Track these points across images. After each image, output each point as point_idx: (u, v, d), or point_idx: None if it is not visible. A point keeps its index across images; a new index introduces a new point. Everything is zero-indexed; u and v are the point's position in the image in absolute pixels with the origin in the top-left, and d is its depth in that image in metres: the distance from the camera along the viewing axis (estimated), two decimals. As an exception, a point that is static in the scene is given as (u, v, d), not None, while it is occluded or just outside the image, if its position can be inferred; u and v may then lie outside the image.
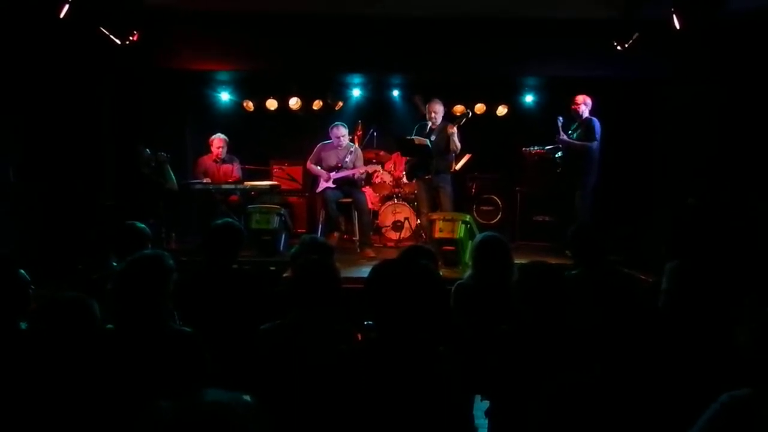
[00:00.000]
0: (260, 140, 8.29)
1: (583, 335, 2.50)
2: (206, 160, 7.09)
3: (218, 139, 7.03)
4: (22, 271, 2.51)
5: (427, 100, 6.70)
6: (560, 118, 6.63)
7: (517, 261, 3.40)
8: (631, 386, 1.93)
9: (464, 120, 6.29)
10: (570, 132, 6.59)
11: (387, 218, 7.48)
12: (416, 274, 2.04)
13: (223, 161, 7.09)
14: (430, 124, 6.46)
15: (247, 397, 1.34)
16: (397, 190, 7.72)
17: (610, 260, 3.50)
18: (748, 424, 1.40)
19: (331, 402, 1.96)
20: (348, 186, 6.82)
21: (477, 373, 2.49)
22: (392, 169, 7.92)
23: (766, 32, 5.71)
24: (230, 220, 3.86)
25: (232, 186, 6.84)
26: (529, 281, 2.57)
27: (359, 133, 7.96)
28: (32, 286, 2.53)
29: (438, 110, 6.48)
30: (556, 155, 6.81)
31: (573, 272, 3.25)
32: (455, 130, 6.26)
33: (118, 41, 5.78)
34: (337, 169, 6.79)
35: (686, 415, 1.61)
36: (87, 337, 2.21)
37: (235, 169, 7.13)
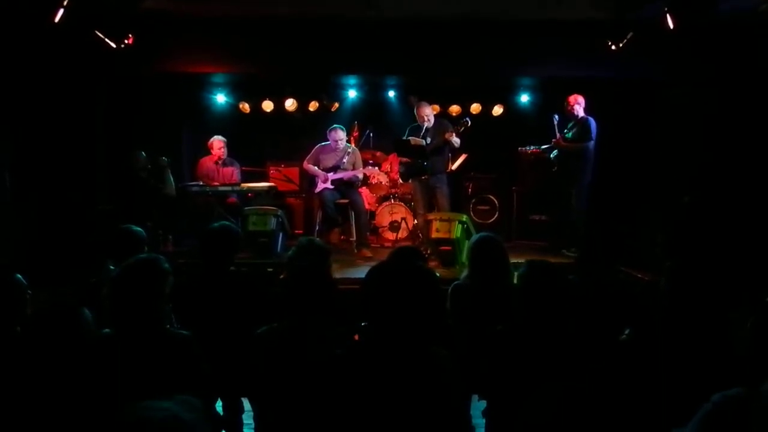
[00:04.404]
0: (257, 142, 8.32)
1: (579, 337, 2.50)
2: (207, 162, 7.11)
3: (218, 141, 7.06)
4: (19, 275, 2.52)
5: (423, 101, 6.71)
6: (555, 116, 6.66)
7: (513, 260, 3.41)
8: (627, 385, 1.95)
9: (463, 129, 6.30)
10: (566, 131, 6.62)
11: (384, 219, 7.50)
12: (415, 275, 2.04)
13: (224, 163, 7.11)
14: (425, 125, 6.47)
15: (188, 414, 1.28)
16: (393, 190, 7.74)
17: (613, 266, 3.48)
18: (740, 425, 1.41)
19: (327, 404, 1.97)
20: (345, 187, 6.83)
21: (473, 373, 2.50)
22: (389, 169, 7.93)
23: (755, 36, 5.74)
24: (227, 222, 3.87)
25: (229, 188, 6.85)
26: (534, 279, 2.56)
27: (355, 134, 7.97)
28: (29, 291, 2.53)
29: (428, 113, 6.50)
30: (552, 154, 6.83)
31: (571, 277, 3.24)
32: (453, 137, 6.27)
33: (113, 45, 5.79)
34: (335, 170, 6.79)
35: (680, 415, 1.62)
36: (77, 344, 2.21)
37: (235, 172, 7.15)
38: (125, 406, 1.24)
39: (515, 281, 2.70)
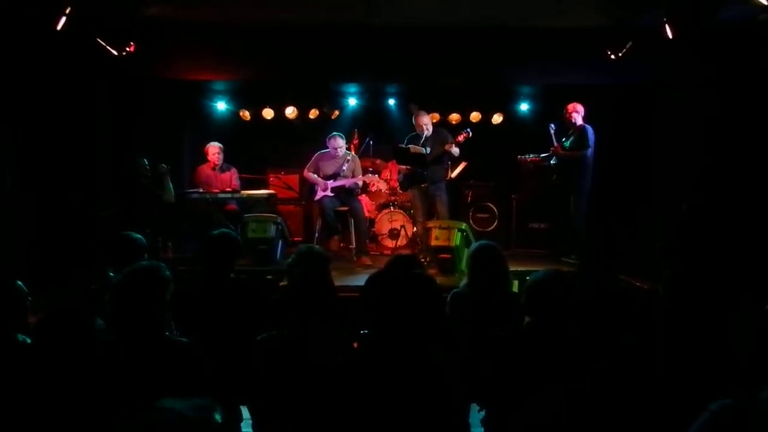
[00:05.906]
0: (257, 149, 8.32)
1: (580, 342, 2.51)
2: (205, 169, 7.12)
3: (213, 147, 7.06)
4: (20, 282, 2.52)
5: (422, 110, 6.72)
6: (552, 126, 6.68)
7: (513, 269, 3.41)
8: (625, 393, 1.95)
9: (464, 138, 6.33)
10: (564, 139, 6.64)
11: (383, 226, 7.51)
12: (414, 282, 2.05)
13: (221, 169, 7.12)
14: (424, 134, 6.48)
15: (211, 414, 1.31)
16: (393, 198, 7.75)
17: (613, 270, 3.49)
18: (738, 432, 1.41)
19: (328, 411, 1.97)
20: (345, 194, 6.84)
21: (472, 380, 2.50)
22: (388, 177, 7.94)
23: (755, 39, 5.78)
24: (227, 229, 3.87)
25: (229, 195, 6.85)
26: (549, 287, 2.56)
27: (355, 141, 7.99)
28: (29, 298, 2.53)
29: (426, 122, 6.51)
30: (550, 162, 6.85)
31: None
32: (453, 148, 6.28)
33: (115, 52, 5.82)
34: (334, 177, 6.80)
35: (679, 423, 1.62)
36: (86, 349, 2.22)
37: (233, 177, 7.16)
38: (136, 409, 1.26)
39: (526, 284, 2.69)
